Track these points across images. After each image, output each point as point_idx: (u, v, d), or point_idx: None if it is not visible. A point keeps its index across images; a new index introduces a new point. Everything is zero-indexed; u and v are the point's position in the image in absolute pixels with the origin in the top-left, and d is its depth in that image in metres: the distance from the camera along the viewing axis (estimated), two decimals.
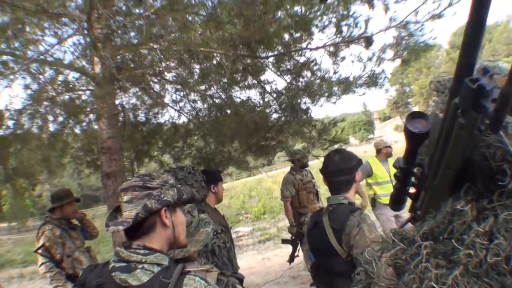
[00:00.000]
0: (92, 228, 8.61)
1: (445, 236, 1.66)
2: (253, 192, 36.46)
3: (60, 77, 7.79)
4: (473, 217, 1.59)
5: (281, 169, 56.98)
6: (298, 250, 11.31)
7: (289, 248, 11.85)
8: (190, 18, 6.66)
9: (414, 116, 1.76)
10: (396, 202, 2.22)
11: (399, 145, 56.73)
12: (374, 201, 11.40)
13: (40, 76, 7.75)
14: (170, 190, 2.80)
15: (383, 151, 11.71)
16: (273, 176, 45.92)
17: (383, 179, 11.29)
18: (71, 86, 7.64)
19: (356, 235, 3.96)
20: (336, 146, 10.76)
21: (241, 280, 4.57)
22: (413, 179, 2.07)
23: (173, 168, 5.92)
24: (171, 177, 2.93)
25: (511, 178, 1.54)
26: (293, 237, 11.31)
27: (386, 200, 10.89)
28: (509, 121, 1.62)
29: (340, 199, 4.37)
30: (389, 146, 11.89)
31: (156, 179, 2.83)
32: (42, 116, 8.35)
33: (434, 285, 1.54)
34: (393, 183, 4.41)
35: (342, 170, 4.44)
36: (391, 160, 11.37)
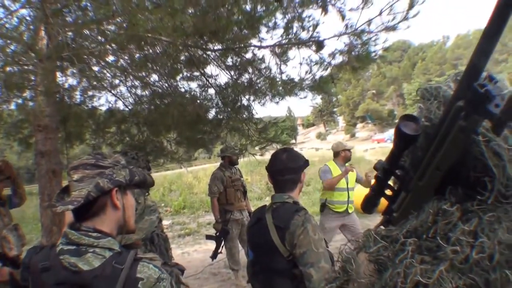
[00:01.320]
0: (22, 190, 8.31)
1: (430, 235, 1.69)
2: (174, 186, 36.38)
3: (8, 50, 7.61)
4: (458, 217, 1.63)
5: (201, 165, 57.16)
6: (222, 247, 11.26)
7: (209, 245, 11.89)
8: (139, 2, 6.58)
9: (407, 118, 1.78)
10: (369, 204, 2.23)
11: (319, 153, 56.96)
12: (323, 207, 11.16)
13: None
14: (122, 171, 2.70)
15: (341, 154, 11.35)
16: (192, 171, 45.93)
17: (339, 185, 11.03)
18: (16, 59, 7.46)
19: (300, 234, 3.92)
20: (278, 146, 10.82)
21: (182, 271, 4.53)
22: (390, 182, 2.08)
23: (116, 152, 5.83)
24: (123, 158, 2.84)
25: (490, 193, 1.59)
26: (218, 234, 11.20)
27: (337, 208, 10.96)
28: (508, 135, 1.65)
29: (285, 197, 4.31)
30: (349, 150, 11.49)
31: (108, 158, 2.72)
32: None
33: (420, 278, 1.56)
34: (349, 192, 4.36)
35: (288, 169, 4.39)
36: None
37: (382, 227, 2.09)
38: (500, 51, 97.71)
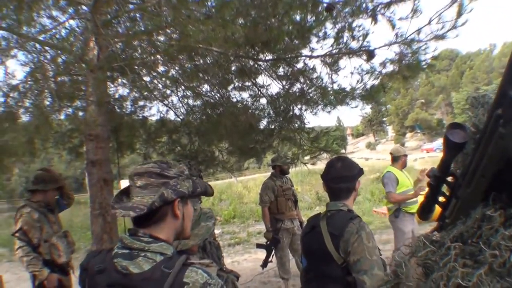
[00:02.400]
0: (70, 195, 8.42)
1: (474, 240, 1.71)
2: (224, 195, 36.42)
3: (59, 60, 7.73)
4: (500, 223, 1.65)
5: (250, 175, 57.03)
6: (272, 256, 11.20)
7: (259, 254, 11.82)
8: (190, 14, 6.65)
9: (454, 127, 1.81)
10: (425, 211, 2.26)
11: (369, 163, 56.52)
12: (398, 212, 11.04)
13: (40, 56, 7.71)
14: (186, 182, 2.74)
15: (401, 159, 11.35)
16: (242, 181, 45.84)
17: (408, 187, 11.08)
18: (67, 69, 7.57)
19: (354, 242, 3.94)
20: (329, 156, 10.83)
21: (237, 277, 4.58)
22: (443, 188, 2.12)
23: (178, 161, 5.90)
24: (186, 168, 2.90)
25: None
26: (268, 243, 11.17)
27: (412, 209, 10.90)
28: None
29: (339, 205, 4.32)
30: (406, 155, 11.52)
31: (173, 168, 2.76)
32: (36, 95, 8.27)
33: (460, 281, 1.60)
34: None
35: (343, 177, 4.41)
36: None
37: (435, 232, 2.13)
38: None
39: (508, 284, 1.53)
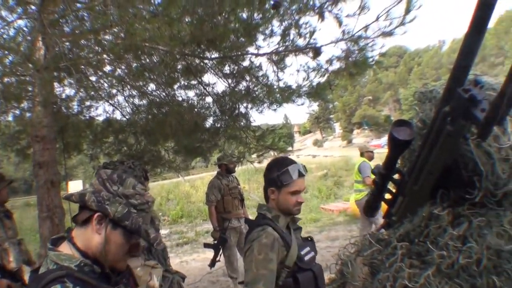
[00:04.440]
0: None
1: (421, 238, 1.71)
2: (171, 195, 36.37)
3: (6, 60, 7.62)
4: (448, 222, 1.65)
5: (198, 174, 57.07)
6: (220, 255, 11.23)
7: (207, 253, 11.89)
8: (137, 12, 6.58)
9: (399, 124, 1.79)
10: (371, 208, 2.25)
11: (316, 160, 57.01)
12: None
13: None
14: (120, 207, 2.57)
15: (365, 155, 13.15)
16: (190, 180, 45.83)
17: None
18: (14, 70, 7.45)
19: (247, 250, 3.92)
20: (275, 153, 10.86)
21: (183, 278, 4.53)
22: (389, 186, 2.10)
23: (113, 162, 5.83)
24: (143, 199, 2.74)
25: (479, 191, 1.60)
26: (216, 242, 11.20)
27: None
28: (499, 134, 1.66)
29: (263, 209, 4.24)
30: (372, 151, 13.47)
31: (123, 186, 2.60)
32: None
33: (407, 283, 1.58)
34: None
35: (265, 179, 4.31)
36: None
37: (382, 230, 2.11)
38: (496, 54, 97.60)
39: (457, 286, 1.51)
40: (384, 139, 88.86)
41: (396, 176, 2.09)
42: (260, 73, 9.68)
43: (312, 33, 8.54)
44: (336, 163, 49.32)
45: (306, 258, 3.97)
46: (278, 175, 4.10)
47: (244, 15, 8.22)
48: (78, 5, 7.08)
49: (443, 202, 1.75)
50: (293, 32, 8.71)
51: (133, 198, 2.63)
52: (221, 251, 11.18)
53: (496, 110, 1.32)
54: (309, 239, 4.39)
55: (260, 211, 4.22)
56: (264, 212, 4.16)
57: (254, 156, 11.96)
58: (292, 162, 4.21)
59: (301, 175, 4.12)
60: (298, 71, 9.35)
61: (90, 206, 2.50)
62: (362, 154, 13.57)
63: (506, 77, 1.26)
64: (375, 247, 1.88)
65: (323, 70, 9.22)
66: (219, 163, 11.54)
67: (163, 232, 23.94)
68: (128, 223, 2.59)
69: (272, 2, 8.05)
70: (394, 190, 2.17)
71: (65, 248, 2.52)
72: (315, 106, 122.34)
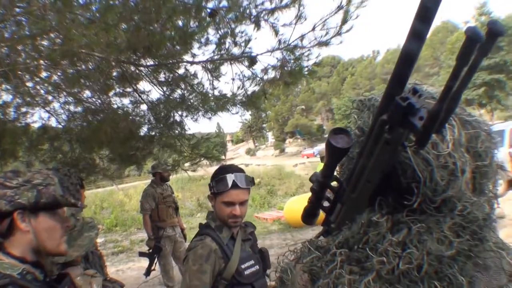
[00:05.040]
0: None
1: (360, 245, 1.71)
2: (105, 203, 36.11)
3: None
4: (387, 228, 1.66)
5: (131, 182, 56.75)
6: (155, 264, 11.16)
7: (142, 262, 11.83)
8: (74, 18, 6.51)
9: (337, 131, 1.80)
10: (309, 215, 2.24)
11: (249, 169, 57.19)
12: None
13: None
14: (29, 192, 2.56)
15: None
16: (123, 189, 45.59)
17: None
18: None
19: (184, 260, 3.92)
20: (208, 162, 10.88)
21: (121, 287, 4.49)
22: (327, 193, 2.12)
23: (49, 169, 5.76)
24: (43, 175, 2.72)
25: (417, 197, 1.62)
26: (151, 251, 11.13)
27: None
28: (438, 141, 1.70)
29: (209, 217, 4.19)
30: None
31: (20, 177, 2.57)
32: None
33: None
34: None
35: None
36: None
37: (321, 237, 2.13)
38: (431, 64, 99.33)
39: None
40: (316, 148, 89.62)
41: (334, 184, 2.11)
42: (195, 81, 9.68)
43: (247, 41, 8.58)
44: (269, 172, 49.58)
45: (247, 272, 3.88)
46: (215, 181, 4.05)
47: (180, 23, 8.20)
48: (17, 9, 6.98)
49: (382, 209, 1.76)
50: (228, 40, 8.71)
51: (35, 179, 2.60)
52: (156, 259, 11.11)
53: (434, 118, 1.34)
54: (261, 251, 4.33)
55: (207, 219, 4.17)
56: (209, 221, 4.11)
57: (187, 164, 11.93)
58: (236, 171, 4.12)
59: (234, 186, 3.98)
60: (233, 79, 9.40)
61: (5, 210, 2.47)
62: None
63: (444, 86, 1.30)
64: (315, 254, 1.88)
65: (258, 79, 9.27)
66: (154, 171, 11.47)
67: (98, 240, 23.71)
68: (44, 200, 2.58)
69: (208, 10, 8.06)
70: (332, 198, 2.18)
71: (2, 258, 2.46)
72: (247, 115, 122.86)
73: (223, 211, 4.00)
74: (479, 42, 1.19)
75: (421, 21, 1.35)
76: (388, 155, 1.58)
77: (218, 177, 4.03)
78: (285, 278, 2.01)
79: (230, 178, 3.99)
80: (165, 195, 11.36)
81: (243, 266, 3.86)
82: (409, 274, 1.53)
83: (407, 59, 1.42)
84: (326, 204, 2.17)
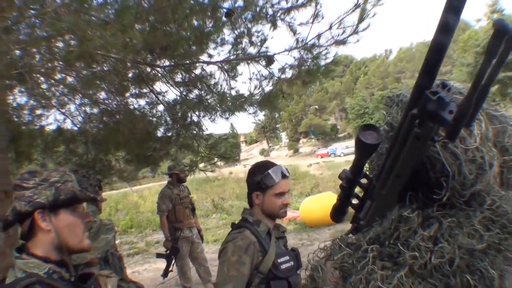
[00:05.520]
0: None
1: (391, 241, 1.70)
2: (120, 205, 36.16)
3: None
4: (418, 223, 1.65)
5: (145, 184, 56.89)
6: (172, 265, 11.15)
7: (158, 263, 11.85)
8: (90, 19, 6.50)
9: (366, 128, 1.79)
10: (338, 212, 2.23)
11: None
12: None
13: None
14: (47, 190, 2.53)
15: None
16: (137, 191, 45.66)
17: None
18: None
19: (221, 251, 3.88)
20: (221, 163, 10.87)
21: None
22: (356, 190, 2.10)
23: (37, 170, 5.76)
24: (60, 173, 2.72)
25: (446, 191, 1.61)
26: (168, 252, 11.13)
27: None
28: (465, 136, 1.69)
29: (246, 212, 4.18)
30: None
31: (36, 177, 2.55)
32: None
33: (380, 284, 1.58)
34: None
35: (247, 184, 4.22)
36: None
37: (350, 235, 2.11)
38: (444, 63, 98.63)
39: (431, 285, 1.52)
40: (331, 147, 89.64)
41: (363, 181, 2.10)
42: (212, 82, 9.67)
43: (263, 41, 8.58)
44: None
45: (283, 266, 3.85)
46: (261, 177, 4.05)
47: (196, 23, 8.20)
48: (32, 11, 6.97)
49: (412, 204, 1.75)
50: (245, 40, 8.71)
51: (52, 177, 2.57)
52: (173, 261, 11.09)
53: (463, 112, 1.33)
54: (293, 250, 4.27)
55: (243, 215, 4.18)
56: (246, 216, 4.12)
57: (202, 165, 11.91)
58: (274, 164, 4.17)
59: (284, 176, 4.07)
60: (250, 79, 9.40)
61: (25, 211, 2.47)
62: None
63: (473, 80, 1.29)
64: (346, 251, 1.87)
65: (275, 78, 9.25)
66: (170, 172, 11.45)
67: None
68: (63, 197, 2.56)
69: (225, 10, 8.06)
70: (361, 195, 2.17)
71: (26, 259, 2.47)
72: (261, 116, 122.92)
73: (275, 203, 4.05)
74: (507, 35, 1.17)
75: (451, 12, 1.34)
76: (418, 150, 1.59)
77: (265, 173, 4.04)
78: (316, 276, 2.00)
79: (278, 170, 4.07)
80: (182, 196, 11.36)
81: (279, 261, 3.85)
82: (441, 268, 1.54)
83: (437, 51, 1.41)
84: (355, 201, 2.16)
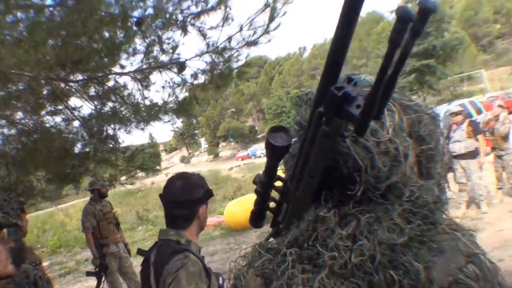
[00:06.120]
0: None
1: (310, 243, 1.69)
2: (47, 225, 35.75)
3: None
4: (336, 223, 1.64)
5: (70, 202, 56.32)
6: (103, 282, 11.09)
7: (90, 282, 11.72)
8: (3, 38, 6.39)
9: (275, 130, 1.78)
10: (256, 218, 2.22)
11: None
12: None
13: None
14: None
15: None
16: (63, 209, 45.23)
17: None
18: None
19: (171, 283, 3.36)
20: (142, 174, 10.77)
21: None
22: (273, 194, 2.09)
23: None
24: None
25: (360, 186, 1.61)
26: (97, 269, 11.05)
27: None
28: (377, 128, 1.69)
29: (171, 233, 3.67)
30: None
31: None
32: None
33: None
34: None
35: (180, 202, 3.71)
36: None
37: (271, 239, 2.09)
38: (358, 56, 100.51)
39: (354, 285, 1.51)
40: (250, 149, 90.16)
41: (278, 184, 2.08)
42: (126, 93, 9.60)
43: (175, 48, 8.55)
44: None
45: (225, 286, 3.67)
46: (206, 188, 3.81)
47: (107, 34, 8.12)
48: None
49: (328, 203, 1.74)
50: (156, 48, 8.66)
51: None
52: (103, 278, 11.04)
53: (370, 105, 1.32)
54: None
55: (168, 237, 3.68)
56: (176, 238, 3.65)
57: (124, 178, 11.81)
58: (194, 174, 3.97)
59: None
60: (163, 87, 9.40)
61: None
62: None
63: (378, 72, 1.27)
64: (266, 257, 1.84)
65: (188, 84, 9.22)
66: (91, 188, 11.40)
67: (44, 264, 23.48)
68: None
69: (135, 19, 8.00)
70: (278, 198, 2.16)
71: None
72: (179, 123, 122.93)
73: (206, 216, 3.86)
74: (410, 22, 1.17)
75: (350, 8, 1.33)
76: (328, 148, 1.57)
77: (205, 183, 3.87)
78: (239, 285, 1.97)
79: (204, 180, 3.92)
80: (105, 211, 11.30)
81: (220, 282, 3.62)
82: (362, 266, 1.51)
83: (339, 46, 1.40)
84: (273, 205, 2.14)
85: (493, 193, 14.43)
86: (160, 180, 56.94)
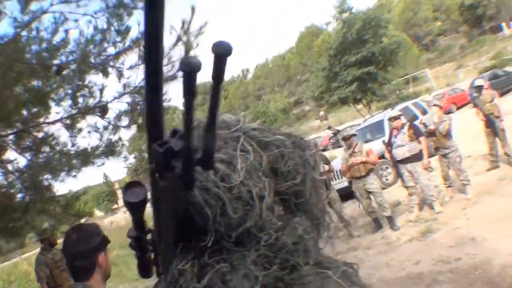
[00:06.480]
0: None
1: None
2: (12, 276, 35.36)
3: None
4: (193, 275, 1.63)
5: (33, 250, 55.88)
6: None
7: None
8: None
9: (129, 186, 1.76)
10: (142, 269, 2.22)
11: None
12: None
13: None
14: None
15: None
16: (27, 258, 44.86)
17: None
18: None
19: None
20: (83, 220, 10.65)
21: None
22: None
23: None
24: None
25: (210, 236, 1.60)
26: None
27: None
28: (228, 172, 1.67)
29: (79, 287, 3.63)
30: None
31: None
32: None
33: None
34: None
35: (78, 254, 3.66)
36: None
37: None
38: (301, 72, 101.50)
39: None
40: None
41: (149, 236, 2.08)
42: (55, 141, 9.51)
43: (102, 90, 8.51)
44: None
45: None
46: (103, 236, 3.78)
47: (35, 84, 8.08)
48: None
49: (188, 255, 1.72)
50: (83, 93, 8.61)
51: None
52: None
53: (187, 158, 1.30)
54: None
55: (94, 282, 3.61)
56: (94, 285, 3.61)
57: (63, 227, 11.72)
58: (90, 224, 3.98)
59: None
60: (89, 132, 9.37)
61: None
62: None
63: (183, 125, 1.25)
64: None
65: (113, 127, 9.22)
66: (40, 238, 11.25)
67: None
68: None
69: (55, 68, 7.95)
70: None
71: None
72: (131, 159, 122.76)
73: (109, 262, 3.85)
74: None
75: (150, 60, 1.30)
76: (171, 201, 1.55)
77: (100, 230, 3.83)
78: None
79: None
80: (56, 259, 11.22)
81: None
82: None
83: (150, 102, 1.37)
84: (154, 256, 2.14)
85: (444, 192, 14.69)
86: (120, 218, 56.56)
